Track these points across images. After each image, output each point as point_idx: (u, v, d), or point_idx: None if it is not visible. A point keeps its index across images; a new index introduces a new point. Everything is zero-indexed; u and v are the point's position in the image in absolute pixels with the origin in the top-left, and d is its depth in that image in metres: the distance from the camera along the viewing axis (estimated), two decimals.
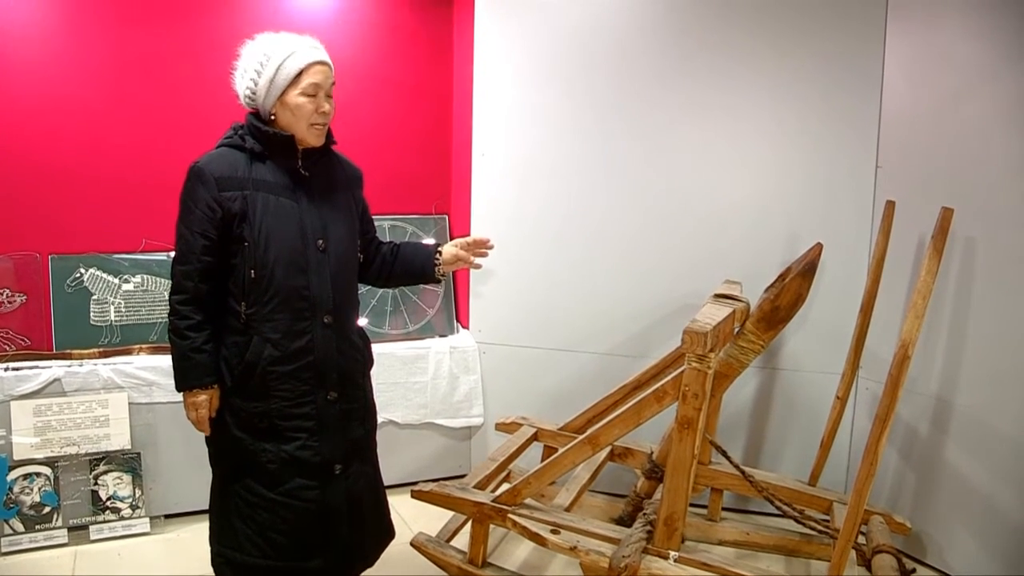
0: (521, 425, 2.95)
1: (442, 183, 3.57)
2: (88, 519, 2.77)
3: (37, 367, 2.75)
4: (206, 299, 1.88)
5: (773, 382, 3.09)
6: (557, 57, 3.13)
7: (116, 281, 2.98)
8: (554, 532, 2.21)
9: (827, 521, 2.46)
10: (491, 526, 2.38)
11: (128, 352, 2.94)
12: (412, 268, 2.21)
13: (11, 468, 2.67)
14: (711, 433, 2.62)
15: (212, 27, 3.05)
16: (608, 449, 2.69)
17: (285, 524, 1.91)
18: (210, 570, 2.02)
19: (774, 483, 2.63)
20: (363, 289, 2.37)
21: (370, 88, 3.36)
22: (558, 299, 3.22)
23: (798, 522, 2.38)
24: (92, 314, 2.93)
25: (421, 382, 3.24)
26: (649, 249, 3.12)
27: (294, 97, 1.85)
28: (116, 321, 2.96)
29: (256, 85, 1.87)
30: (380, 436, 2.17)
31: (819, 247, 2.42)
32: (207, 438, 1.99)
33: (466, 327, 3.41)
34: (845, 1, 2.86)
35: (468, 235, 2.67)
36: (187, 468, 2.79)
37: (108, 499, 2.79)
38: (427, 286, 3.39)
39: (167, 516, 2.89)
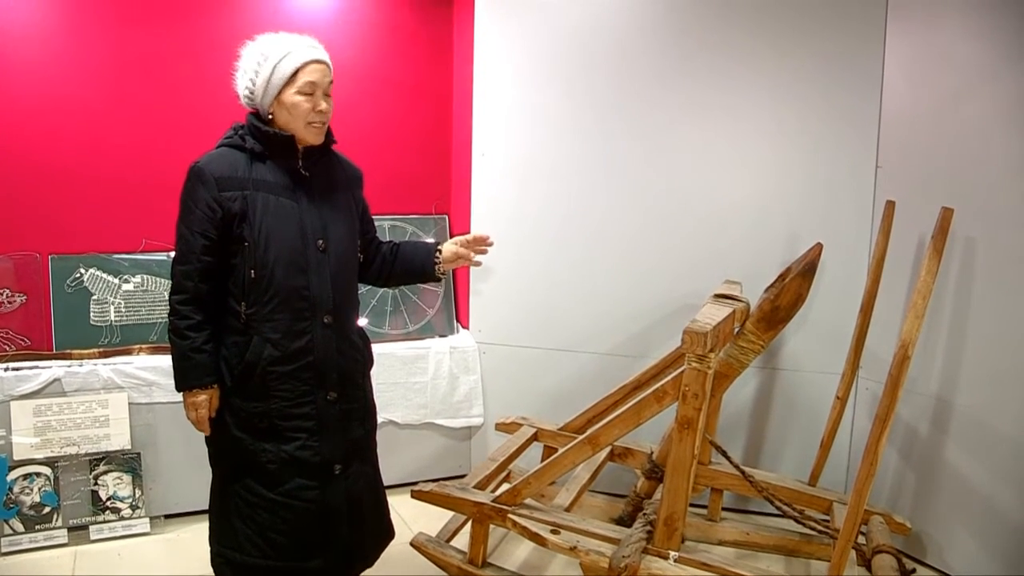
0: (521, 425, 2.95)
1: (442, 183, 3.57)
2: (88, 519, 2.77)
3: (37, 367, 2.75)
4: (206, 299, 1.88)
5: (773, 382, 3.09)
6: (557, 57, 3.13)
7: (116, 281, 2.98)
8: (554, 532, 2.21)
9: (827, 521, 2.46)
10: (491, 526, 2.38)
11: (128, 352, 2.94)
12: (412, 267, 2.21)
13: (11, 468, 2.67)
14: (711, 433, 2.62)
15: (212, 27, 3.05)
16: (608, 449, 2.69)
17: (285, 524, 1.91)
18: (210, 570, 2.02)
19: (774, 483, 2.63)
20: (363, 289, 2.38)
21: (370, 88, 3.36)
22: (558, 299, 3.22)
23: (798, 522, 2.38)
24: (92, 314, 2.93)
25: (421, 382, 3.24)
26: (649, 249, 3.12)
27: (290, 96, 1.86)
28: (116, 321, 2.96)
29: (254, 84, 1.88)
30: (380, 436, 2.17)
31: (819, 247, 2.42)
32: (207, 438, 1.99)
33: (466, 327, 3.41)
34: (845, 1, 2.86)
35: (468, 233, 2.67)
36: (187, 468, 2.79)
37: (108, 499, 2.79)
38: (427, 286, 3.39)
39: (167, 516, 2.89)
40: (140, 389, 2.83)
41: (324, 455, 1.93)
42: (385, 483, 2.19)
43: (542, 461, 2.53)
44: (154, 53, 3.00)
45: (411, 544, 2.52)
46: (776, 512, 2.47)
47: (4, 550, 2.63)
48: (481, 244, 2.18)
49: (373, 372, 2.13)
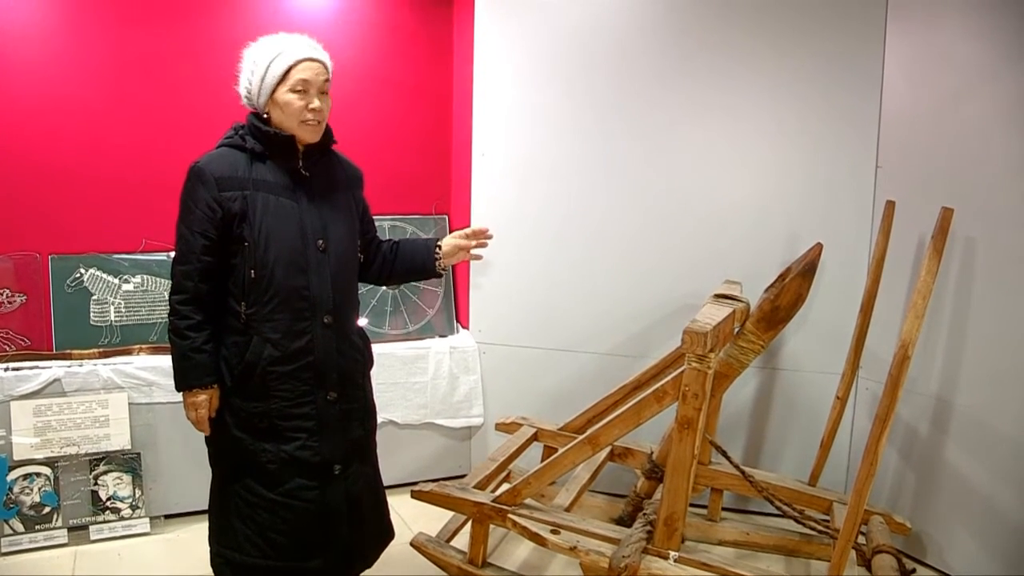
0: (521, 425, 2.95)
1: (442, 183, 3.57)
2: (88, 519, 2.77)
3: (37, 367, 2.75)
4: (206, 299, 1.88)
5: (773, 382, 3.09)
6: (557, 57, 3.13)
7: (116, 281, 2.98)
8: (554, 532, 2.21)
9: (827, 521, 2.46)
10: (491, 526, 2.38)
11: (128, 352, 2.94)
12: (413, 264, 2.21)
13: (11, 468, 2.67)
14: (711, 433, 2.62)
15: (212, 28, 3.05)
16: (608, 449, 2.69)
17: (285, 524, 1.91)
18: (210, 570, 2.02)
19: (774, 483, 2.63)
20: (363, 289, 2.38)
21: (370, 88, 3.36)
22: (558, 299, 3.22)
23: (798, 522, 2.38)
24: (92, 314, 2.93)
25: (421, 382, 3.24)
26: (649, 249, 3.12)
27: (283, 94, 1.86)
28: (116, 321, 2.96)
29: (251, 84, 1.89)
30: (380, 436, 2.17)
31: (819, 247, 2.42)
32: (207, 438, 1.99)
33: (466, 327, 3.41)
34: (845, 1, 2.86)
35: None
36: (187, 468, 2.79)
37: (108, 499, 2.79)
38: (427, 286, 3.39)
39: (167, 516, 2.89)
40: (140, 389, 2.83)
41: (324, 455, 1.93)
42: (385, 483, 2.19)
43: (542, 461, 2.53)
44: (154, 53, 3.00)
45: (411, 544, 2.52)
46: (776, 512, 2.47)
47: (4, 550, 2.63)
48: (481, 237, 2.18)
49: (373, 372, 2.13)
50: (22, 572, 2.56)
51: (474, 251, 2.19)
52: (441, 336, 3.40)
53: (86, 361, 2.83)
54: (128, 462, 2.82)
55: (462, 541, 2.52)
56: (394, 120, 3.44)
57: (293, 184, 1.92)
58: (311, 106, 1.87)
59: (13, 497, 2.67)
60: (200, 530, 2.31)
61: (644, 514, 2.30)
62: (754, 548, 2.77)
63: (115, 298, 2.97)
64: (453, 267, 3.38)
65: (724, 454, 2.42)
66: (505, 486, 2.43)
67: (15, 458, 2.68)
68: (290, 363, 1.88)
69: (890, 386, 1.94)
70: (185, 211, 1.87)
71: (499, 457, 2.69)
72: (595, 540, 2.18)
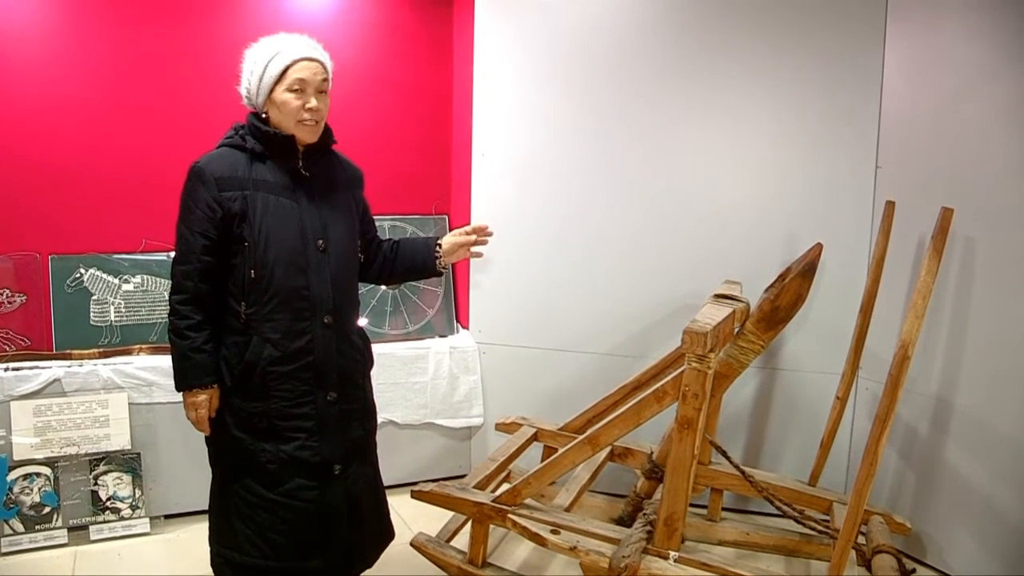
0: (521, 425, 2.95)
1: (442, 183, 3.57)
2: (88, 519, 2.77)
3: (37, 367, 2.75)
4: (206, 299, 1.88)
5: (773, 382, 3.09)
6: (557, 57, 3.13)
7: (116, 281, 2.98)
8: (554, 532, 2.21)
9: (827, 521, 2.46)
10: (491, 526, 2.38)
11: (128, 352, 2.94)
12: (413, 263, 2.21)
13: (11, 468, 2.67)
14: (711, 433, 2.62)
15: (212, 28, 3.05)
16: (608, 449, 2.69)
17: (284, 524, 1.91)
18: (210, 570, 2.02)
19: (774, 483, 2.63)
20: (363, 289, 2.38)
21: (370, 88, 3.36)
22: (558, 299, 3.22)
23: (798, 522, 2.38)
24: (92, 314, 2.93)
25: (421, 382, 3.24)
26: (649, 249, 3.12)
27: (280, 93, 1.86)
28: (116, 321, 2.96)
29: (250, 84, 1.89)
30: (380, 436, 2.17)
31: (819, 247, 2.42)
32: (207, 438, 1.99)
33: (466, 327, 3.41)
34: (845, 1, 2.86)
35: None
36: (187, 468, 2.79)
37: (108, 499, 2.79)
38: (427, 285, 3.39)
39: (167, 516, 2.89)
40: (140, 389, 2.83)
41: (324, 455, 1.93)
42: (385, 483, 2.19)
43: (542, 461, 2.53)
44: (154, 53, 3.00)
45: (411, 544, 2.52)
46: (776, 512, 2.47)
47: (4, 550, 2.63)
48: (481, 234, 2.18)
49: (373, 372, 2.13)
50: (22, 572, 2.56)
51: (474, 248, 2.19)
52: (441, 336, 3.40)
53: (86, 361, 2.83)
54: (128, 462, 2.82)
55: (462, 541, 2.51)
56: (394, 120, 3.44)
57: (293, 184, 1.92)
58: (308, 106, 1.87)
59: (13, 497, 2.67)
60: (200, 530, 2.31)
61: (644, 514, 2.30)
62: (754, 548, 2.77)
63: (115, 298, 2.97)
64: (453, 267, 3.38)
65: (724, 454, 2.42)
66: (505, 486, 2.43)
67: (15, 458, 2.68)
68: (290, 363, 1.88)
69: (890, 386, 1.94)
70: (185, 211, 1.87)
71: (499, 457, 2.69)
72: (595, 540, 2.18)
